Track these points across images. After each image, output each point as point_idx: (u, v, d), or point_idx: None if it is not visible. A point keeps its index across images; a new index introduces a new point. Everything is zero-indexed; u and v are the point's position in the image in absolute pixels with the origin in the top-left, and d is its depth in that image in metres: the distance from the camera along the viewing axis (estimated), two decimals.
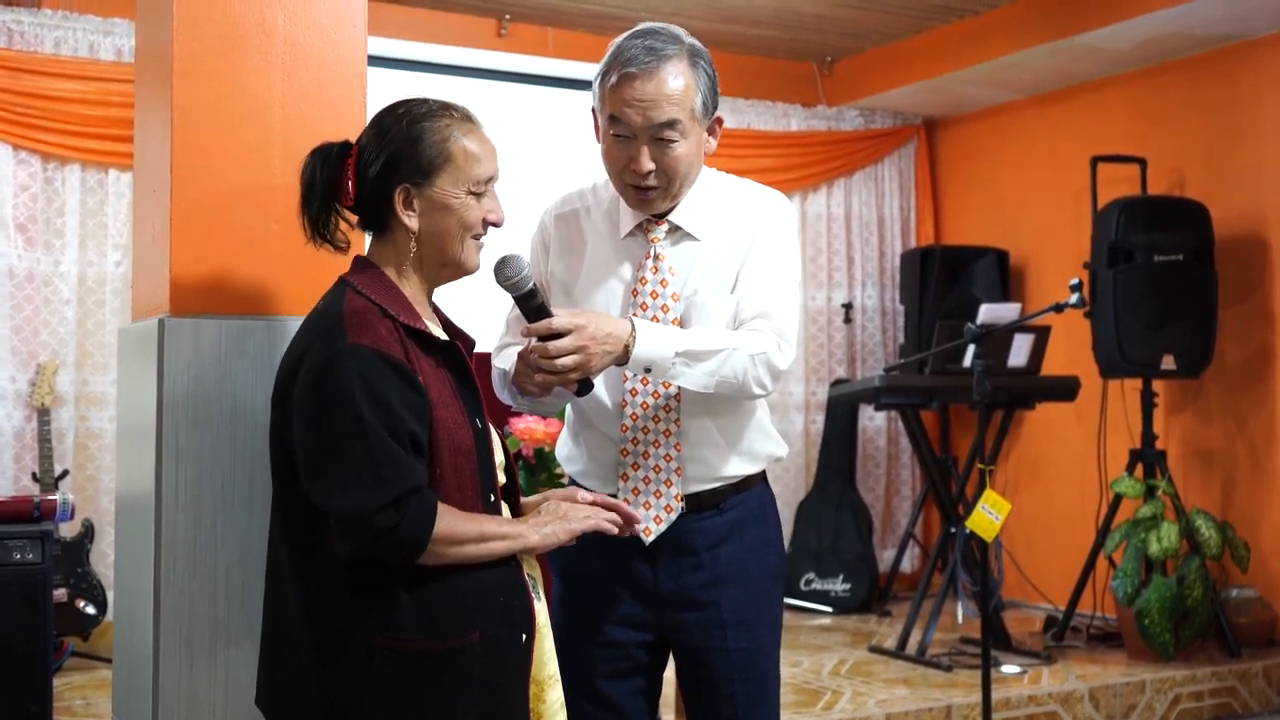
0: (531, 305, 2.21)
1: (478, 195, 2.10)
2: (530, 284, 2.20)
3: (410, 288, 2.12)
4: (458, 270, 2.15)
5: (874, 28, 6.66)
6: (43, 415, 5.25)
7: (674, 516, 2.40)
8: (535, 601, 2.13)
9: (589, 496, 2.22)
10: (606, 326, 2.24)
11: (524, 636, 2.08)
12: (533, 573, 2.17)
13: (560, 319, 2.21)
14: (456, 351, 2.10)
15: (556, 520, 2.13)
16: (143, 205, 2.64)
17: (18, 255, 5.39)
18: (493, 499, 2.09)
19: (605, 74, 2.37)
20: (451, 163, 2.07)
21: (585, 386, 2.27)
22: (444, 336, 2.12)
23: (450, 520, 1.97)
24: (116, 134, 5.49)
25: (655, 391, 2.39)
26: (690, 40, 2.39)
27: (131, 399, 2.58)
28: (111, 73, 5.54)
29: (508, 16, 6.39)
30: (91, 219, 5.56)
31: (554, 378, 2.22)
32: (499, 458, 2.17)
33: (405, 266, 2.11)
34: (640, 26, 2.39)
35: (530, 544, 2.09)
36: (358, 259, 2.15)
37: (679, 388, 2.37)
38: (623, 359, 2.25)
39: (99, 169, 5.57)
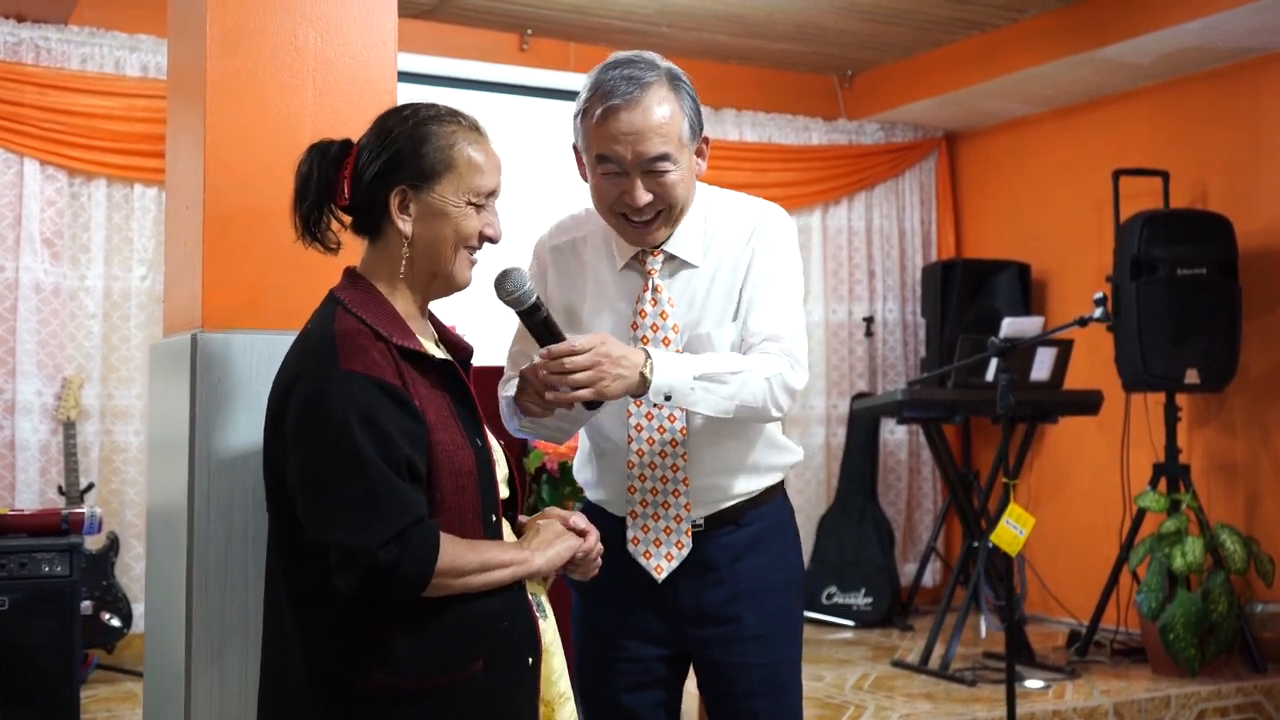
0: (536, 320, 2.17)
1: (477, 207, 2.05)
2: (534, 298, 2.15)
3: (403, 301, 2.06)
4: (449, 283, 2.08)
5: (895, 41, 6.67)
6: (68, 429, 5.28)
7: (685, 553, 2.38)
8: (540, 621, 2.09)
9: (581, 525, 2.16)
10: (623, 350, 2.18)
11: (529, 660, 2.04)
12: (536, 592, 2.12)
13: (581, 339, 2.16)
14: (453, 370, 2.05)
15: (559, 539, 2.10)
16: (175, 221, 2.66)
17: (44, 270, 5.43)
18: (494, 519, 2.04)
19: (587, 110, 2.30)
20: (454, 170, 2.02)
21: (594, 403, 2.22)
22: (440, 354, 2.06)
23: (453, 551, 1.91)
24: (142, 149, 5.55)
25: (661, 426, 2.36)
26: (666, 64, 2.35)
27: (163, 413, 2.60)
28: (137, 88, 5.60)
29: (529, 31, 6.42)
30: (117, 234, 5.61)
31: (565, 396, 2.16)
32: (502, 472, 2.13)
33: (397, 277, 2.05)
34: (614, 57, 2.34)
35: (535, 568, 2.05)
36: (348, 271, 2.09)
37: (685, 422, 2.35)
38: (641, 388, 2.20)
39: (125, 184, 5.62)
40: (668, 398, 2.22)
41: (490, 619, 1.98)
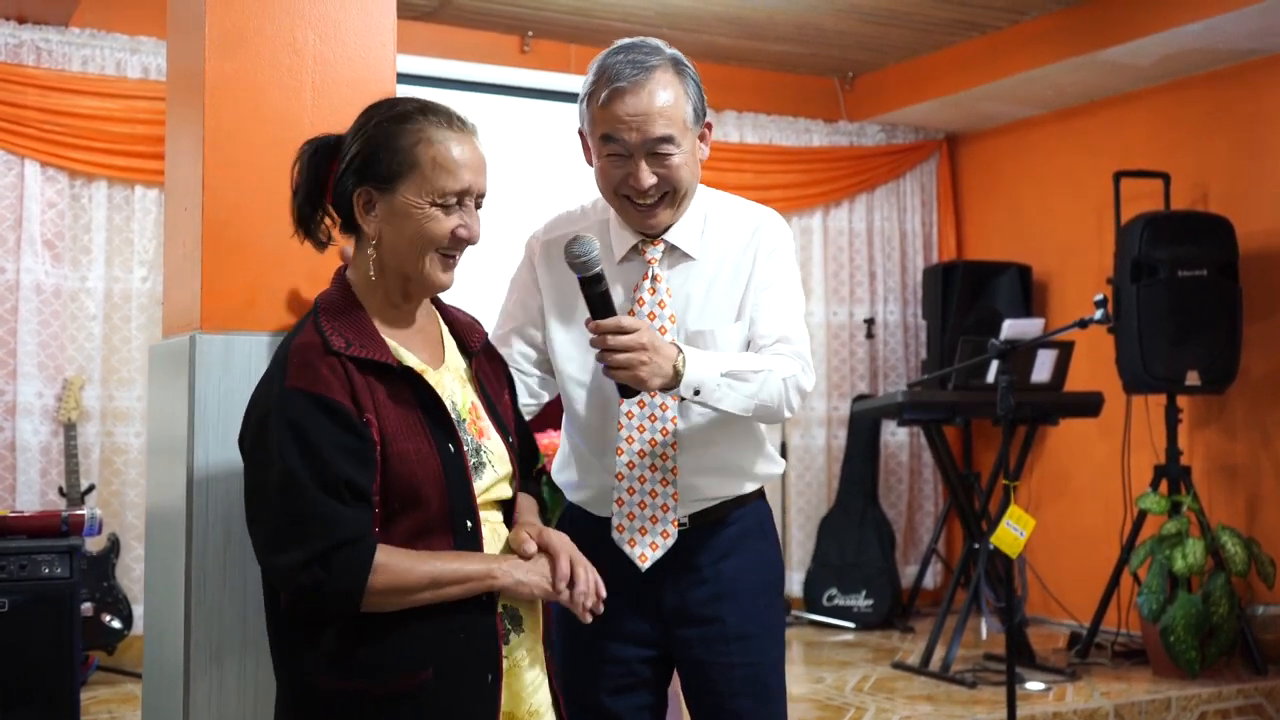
0: (595, 291, 2.16)
1: (445, 208, 1.97)
2: (598, 267, 2.15)
3: (379, 303, 2.02)
4: (423, 286, 2.02)
5: (896, 43, 6.67)
6: (69, 430, 5.28)
7: (670, 543, 2.37)
8: (510, 636, 2.04)
9: (584, 576, 2.05)
10: (661, 342, 2.19)
11: (489, 676, 1.98)
12: (509, 603, 2.05)
13: (630, 319, 2.16)
14: (418, 378, 1.99)
15: (540, 575, 2.01)
16: (174, 223, 2.65)
17: (45, 271, 5.43)
18: (469, 525, 1.98)
19: (592, 94, 2.32)
20: (417, 170, 1.95)
21: (631, 392, 2.22)
22: (408, 362, 1.99)
23: (396, 569, 1.87)
24: (143, 151, 5.55)
25: (652, 414, 2.36)
26: (671, 50, 2.37)
27: (162, 415, 2.60)
28: (138, 90, 5.60)
29: (530, 33, 6.42)
30: (118, 235, 5.61)
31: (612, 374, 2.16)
32: (501, 470, 2.07)
33: (370, 279, 2.01)
34: (620, 42, 2.36)
35: (499, 586, 1.96)
36: (336, 272, 2.09)
37: (676, 411, 2.35)
38: (672, 382, 2.19)
39: (125, 185, 5.62)
40: (696, 392, 2.23)
41: (445, 629, 1.93)
